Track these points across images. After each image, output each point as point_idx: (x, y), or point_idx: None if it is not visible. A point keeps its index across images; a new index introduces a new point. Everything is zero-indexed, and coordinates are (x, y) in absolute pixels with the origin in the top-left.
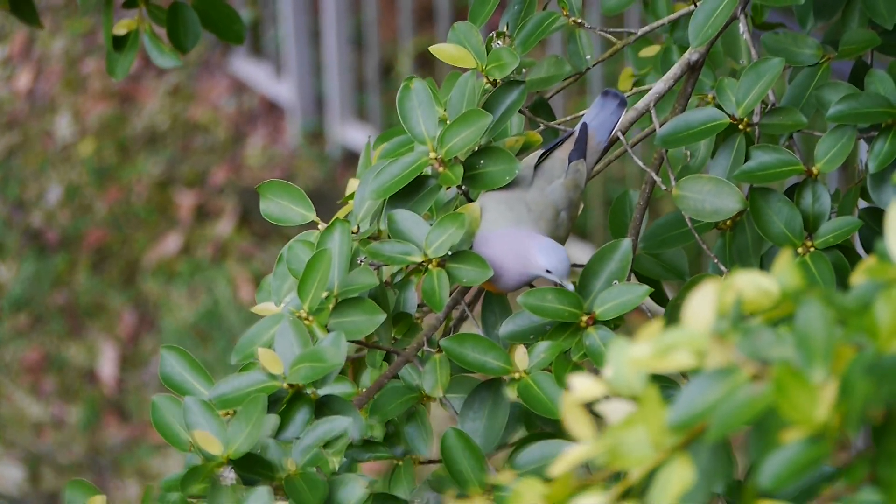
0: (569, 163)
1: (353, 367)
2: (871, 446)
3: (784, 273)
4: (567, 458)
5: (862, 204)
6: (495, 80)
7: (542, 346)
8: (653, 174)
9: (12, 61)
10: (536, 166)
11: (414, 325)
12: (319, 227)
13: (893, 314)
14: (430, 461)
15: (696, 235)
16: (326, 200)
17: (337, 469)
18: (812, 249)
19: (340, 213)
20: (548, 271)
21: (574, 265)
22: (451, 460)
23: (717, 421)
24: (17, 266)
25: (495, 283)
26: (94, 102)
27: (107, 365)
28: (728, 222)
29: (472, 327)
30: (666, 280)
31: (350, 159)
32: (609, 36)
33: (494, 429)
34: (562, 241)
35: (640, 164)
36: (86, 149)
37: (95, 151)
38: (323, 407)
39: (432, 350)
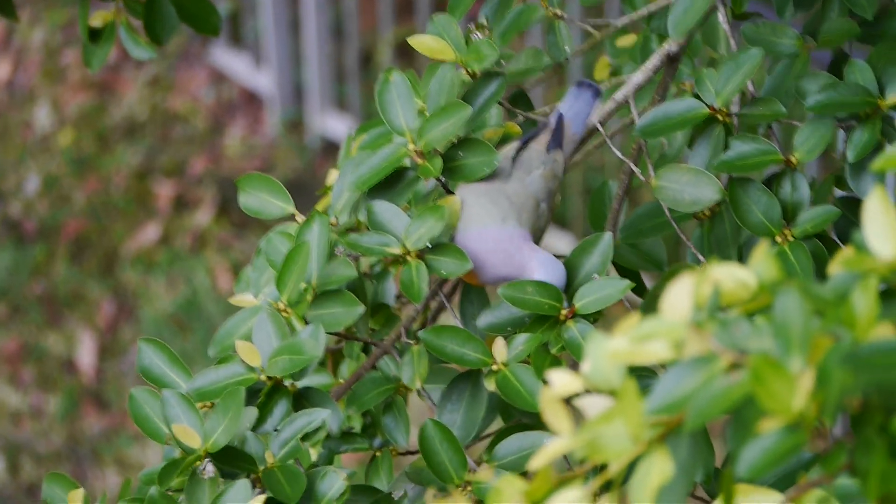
0: (547, 153)
1: (332, 359)
2: (849, 434)
3: (761, 265)
4: (546, 452)
5: (837, 193)
6: (474, 72)
7: (521, 339)
8: (631, 165)
9: None
10: (514, 158)
11: (392, 315)
12: (298, 219)
13: (870, 304)
14: (409, 452)
15: (675, 225)
16: (306, 190)
17: (315, 461)
18: (791, 239)
19: (319, 205)
20: None
21: (555, 255)
22: (430, 452)
23: (694, 410)
24: None
25: (476, 278)
26: (74, 93)
27: (85, 354)
28: (707, 212)
29: (450, 318)
30: (644, 270)
31: (330, 149)
32: (588, 27)
33: (473, 420)
34: (542, 232)
35: (619, 154)
36: (65, 139)
37: (74, 142)
38: (301, 399)
39: (410, 341)
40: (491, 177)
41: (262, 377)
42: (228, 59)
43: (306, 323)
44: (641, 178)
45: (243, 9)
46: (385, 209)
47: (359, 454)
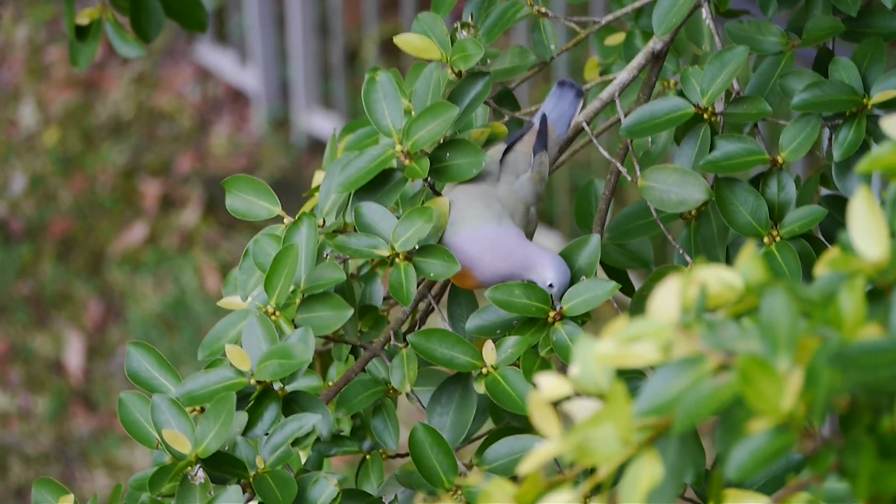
0: (533, 156)
1: (320, 361)
2: (838, 435)
3: (748, 266)
4: (535, 455)
5: (823, 191)
6: (460, 72)
7: (510, 341)
8: (618, 164)
9: None
10: (500, 161)
11: (380, 318)
12: (285, 221)
13: (857, 305)
14: (398, 455)
15: (662, 226)
16: (292, 189)
17: (304, 464)
18: (778, 239)
19: (306, 207)
20: (550, 285)
21: None
22: (420, 456)
23: (682, 411)
24: None
25: (473, 279)
26: (59, 90)
27: (73, 355)
28: (693, 212)
29: (438, 320)
30: (631, 269)
31: (315, 147)
32: (573, 25)
33: (462, 423)
34: (531, 235)
35: (606, 154)
36: (50, 138)
37: (60, 140)
38: (291, 403)
39: (399, 344)
40: (479, 179)
41: (252, 381)
42: (214, 56)
43: (295, 326)
44: (629, 178)
45: (228, 5)
46: (372, 211)
47: (348, 457)
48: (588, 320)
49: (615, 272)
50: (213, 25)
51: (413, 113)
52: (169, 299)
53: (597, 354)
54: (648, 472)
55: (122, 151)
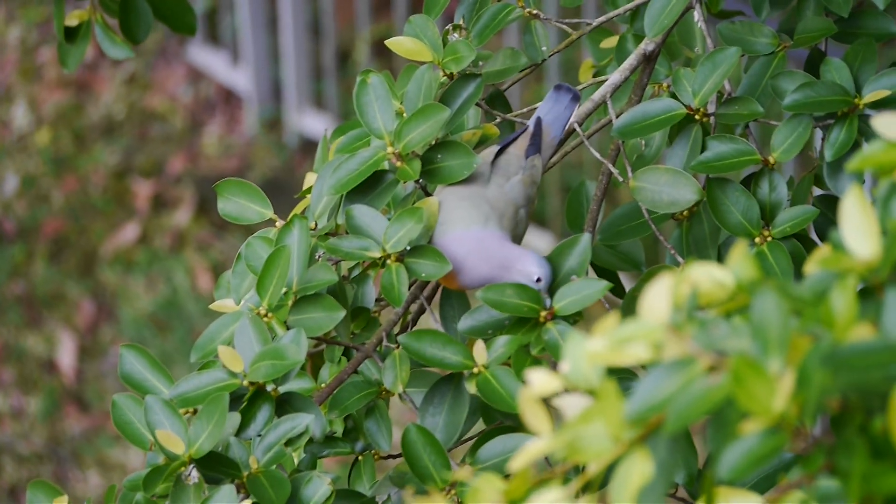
0: (525, 158)
1: (312, 362)
2: (829, 434)
3: (739, 265)
4: (525, 453)
5: (816, 191)
6: (452, 73)
7: (502, 341)
8: (609, 165)
9: None
10: (492, 163)
11: (372, 319)
12: (277, 223)
13: (849, 304)
14: (391, 456)
15: (654, 226)
16: (284, 189)
17: (297, 465)
18: (769, 239)
19: (298, 208)
20: (538, 280)
21: None
22: (413, 456)
23: (674, 412)
24: None
25: (457, 281)
26: (50, 91)
27: (65, 355)
28: (685, 213)
29: (430, 321)
30: (622, 270)
31: (307, 147)
32: (565, 27)
33: (455, 423)
34: (521, 238)
35: (598, 155)
36: (42, 138)
37: (52, 141)
38: (284, 404)
39: (392, 345)
40: (470, 180)
41: (245, 382)
42: (206, 56)
43: (287, 328)
44: (620, 179)
45: (220, 6)
46: (364, 213)
47: (341, 458)
48: (580, 320)
49: (606, 273)
50: (205, 26)
51: (405, 115)
52: (161, 299)
53: (587, 352)
54: (639, 469)
55: (114, 152)
